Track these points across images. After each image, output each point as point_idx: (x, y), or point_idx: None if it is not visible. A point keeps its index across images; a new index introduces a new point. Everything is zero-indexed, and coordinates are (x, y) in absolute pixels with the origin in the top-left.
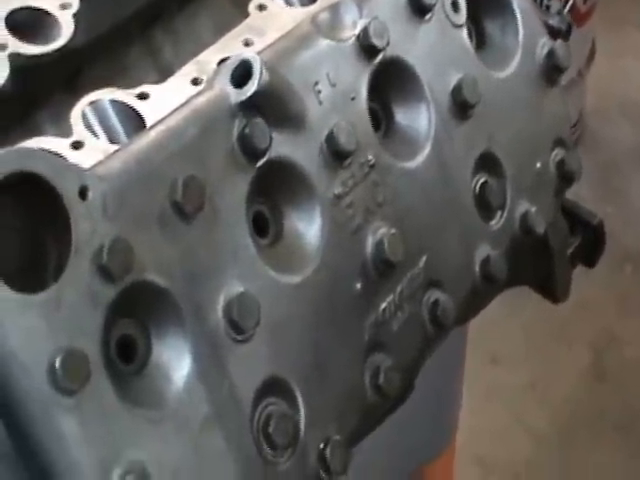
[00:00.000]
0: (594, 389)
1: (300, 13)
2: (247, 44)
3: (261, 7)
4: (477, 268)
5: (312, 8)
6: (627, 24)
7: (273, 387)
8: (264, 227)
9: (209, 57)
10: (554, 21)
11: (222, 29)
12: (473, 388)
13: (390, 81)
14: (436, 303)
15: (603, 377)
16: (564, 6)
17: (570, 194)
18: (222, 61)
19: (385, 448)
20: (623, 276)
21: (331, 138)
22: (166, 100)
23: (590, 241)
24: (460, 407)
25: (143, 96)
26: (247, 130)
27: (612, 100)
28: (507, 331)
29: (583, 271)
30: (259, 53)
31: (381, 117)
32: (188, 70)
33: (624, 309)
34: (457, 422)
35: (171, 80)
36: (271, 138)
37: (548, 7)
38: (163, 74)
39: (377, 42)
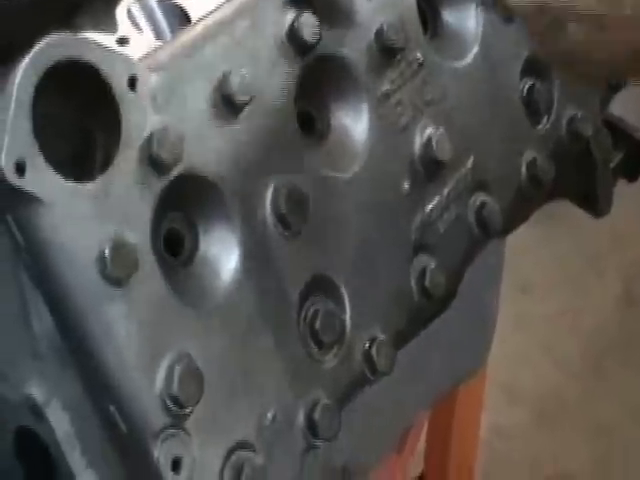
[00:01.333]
0: (624, 318)
1: None
2: None
3: None
4: (523, 170)
5: None
6: None
7: (320, 284)
8: (311, 125)
9: None
10: None
11: None
12: (502, 316)
13: None
14: (483, 205)
15: (633, 306)
16: None
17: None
18: None
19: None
20: None
21: (380, 35)
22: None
23: (632, 155)
24: (495, 328)
25: None
26: (297, 24)
27: None
28: (538, 260)
29: (616, 202)
30: None
31: (429, 17)
32: None
33: None
34: (491, 343)
35: None
36: (321, 32)
37: None
38: None
39: None
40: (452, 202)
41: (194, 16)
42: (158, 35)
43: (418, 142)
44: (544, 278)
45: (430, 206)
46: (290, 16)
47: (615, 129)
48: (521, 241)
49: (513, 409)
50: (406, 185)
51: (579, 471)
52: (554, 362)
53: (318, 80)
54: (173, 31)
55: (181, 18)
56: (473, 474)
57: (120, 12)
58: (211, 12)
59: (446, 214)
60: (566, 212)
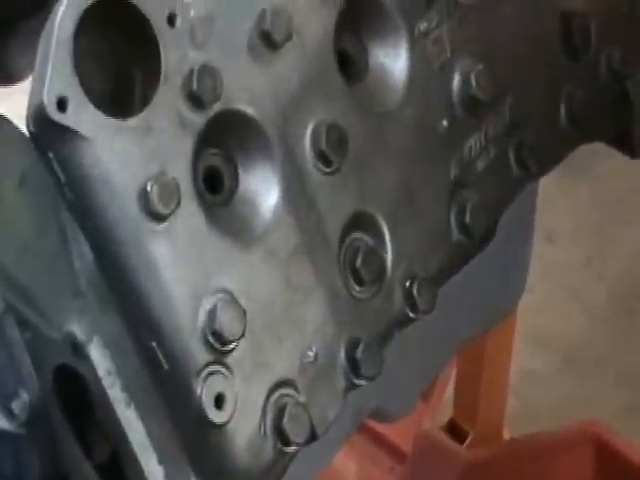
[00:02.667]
0: None
1: None
2: None
3: None
4: (562, 108)
5: None
6: None
7: (360, 221)
8: (350, 61)
9: None
10: None
11: None
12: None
13: None
14: (522, 143)
15: None
16: None
17: None
18: None
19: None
20: None
21: None
22: None
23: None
24: (527, 274)
25: None
26: None
27: None
28: (562, 210)
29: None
30: None
31: None
32: None
33: None
34: (523, 289)
35: None
36: None
37: None
38: None
39: None
40: (491, 140)
41: None
42: None
43: (457, 80)
44: (569, 227)
45: (469, 144)
46: None
47: None
48: (544, 191)
49: (542, 355)
50: (445, 123)
51: (609, 417)
52: (582, 309)
53: (356, 19)
54: None
55: None
56: (502, 420)
57: None
58: None
59: (485, 152)
60: (587, 164)
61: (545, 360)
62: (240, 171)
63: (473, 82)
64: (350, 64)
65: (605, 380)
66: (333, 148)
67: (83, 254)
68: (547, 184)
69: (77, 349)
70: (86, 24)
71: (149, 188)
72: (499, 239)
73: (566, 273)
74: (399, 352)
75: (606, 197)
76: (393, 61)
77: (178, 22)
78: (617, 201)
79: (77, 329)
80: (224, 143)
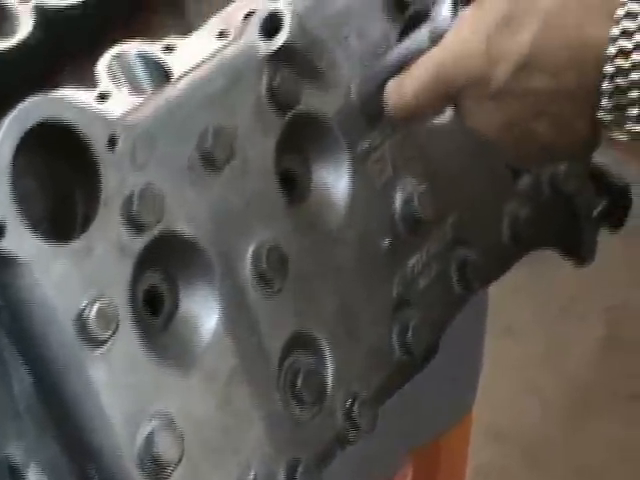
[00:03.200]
0: (607, 360)
1: None
2: None
3: None
4: (505, 225)
5: None
6: None
7: (301, 341)
8: (292, 182)
9: (235, 11)
10: None
11: None
12: (486, 357)
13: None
14: (464, 262)
15: (616, 347)
16: None
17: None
18: (248, 15)
19: (402, 414)
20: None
21: (360, 93)
22: (192, 53)
23: (616, 204)
24: (479, 375)
25: (169, 48)
26: (276, 82)
27: None
28: (519, 303)
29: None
30: (289, 4)
31: None
32: (214, 23)
33: (638, 278)
34: (477, 389)
35: (197, 33)
36: (300, 90)
37: None
38: (187, 33)
39: None
40: (433, 258)
41: (175, 72)
42: (138, 91)
43: (399, 199)
44: (526, 320)
45: (411, 262)
46: (269, 74)
47: (598, 177)
48: (503, 284)
49: (499, 450)
50: (387, 241)
51: None
52: (540, 404)
53: (299, 138)
54: (153, 87)
55: (161, 74)
56: None
57: (100, 67)
58: (191, 69)
59: (427, 270)
60: (546, 256)
61: (503, 455)
62: (181, 292)
63: (415, 202)
64: (293, 183)
65: (563, 475)
66: (274, 269)
67: (22, 378)
68: (505, 276)
69: (14, 473)
70: (26, 148)
71: (87, 313)
72: (450, 342)
73: (524, 366)
74: (348, 465)
75: (563, 290)
76: (336, 181)
77: (119, 144)
78: (574, 294)
79: (15, 452)
80: (165, 264)
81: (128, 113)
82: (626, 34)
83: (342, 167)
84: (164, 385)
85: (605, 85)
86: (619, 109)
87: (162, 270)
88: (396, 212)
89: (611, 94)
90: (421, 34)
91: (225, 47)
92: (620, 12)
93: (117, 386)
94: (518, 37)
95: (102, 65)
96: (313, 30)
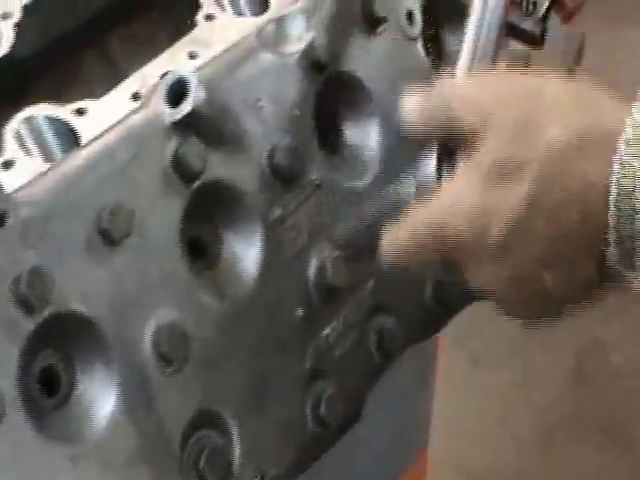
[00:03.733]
0: (577, 392)
1: (249, 24)
2: (192, 57)
3: (209, 17)
4: (428, 289)
5: (260, 19)
6: (619, 20)
7: (205, 420)
8: (201, 251)
9: (153, 70)
10: (527, 26)
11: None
12: (454, 390)
13: (339, 97)
14: (383, 329)
15: (585, 380)
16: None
17: None
18: (165, 75)
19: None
20: None
21: (272, 158)
22: (104, 116)
23: None
24: (429, 424)
25: (80, 112)
26: (181, 151)
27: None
28: (488, 334)
29: None
30: (199, 69)
31: (330, 134)
32: (130, 84)
33: (606, 312)
34: (427, 440)
35: (111, 94)
36: (207, 159)
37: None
38: (119, 82)
39: (323, 57)
40: (350, 326)
41: (84, 137)
42: (47, 157)
43: (313, 267)
44: (494, 351)
45: (326, 331)
46: (174, 142)
47: None
48: (470, 316)
49: None
50: (300, 311)
51: None
52: (509, 436)
53: (207, 206)
54: (63, 151)
55: (71, 139)
56: None
57: (8, 133)
58: (95, 138)
59: (343, 339)
60: None
61: None
62: (78, 372)
63: (329, 269)
64: (202, 252)
65: None
66: (175, 348)
67: None
68: (472, 310)
69: None
70: None
71: None
72: (395, 396)
73: (492, 398)
74: None
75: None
76: (246, 248)
77: (9, 222)
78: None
79: None
80: (61, 344)
81: (23, 187)
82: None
83: (253, 235)
84: (56, 470)
85: (611, 235)
86: (628, 256)
87: (58, 349)
88: (310, 280)
89: (617, 242)
90: (408, 185)
91: (132, 114)
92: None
93: (5, 473)
94: (514, 189)
95: (9, 130)
96: (222, 96)
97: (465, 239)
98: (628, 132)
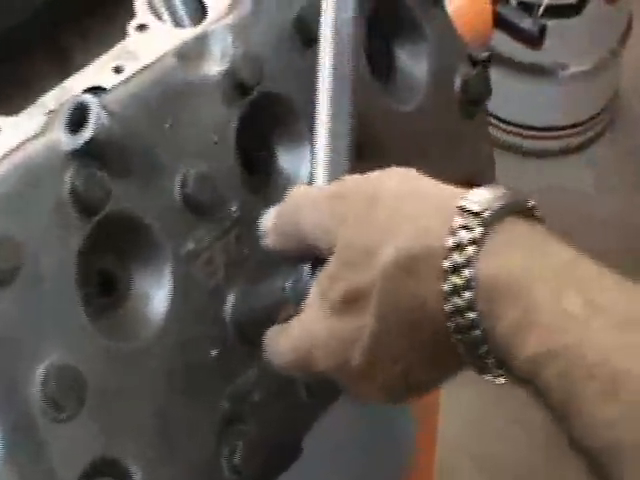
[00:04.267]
0: None
1: (185, 36)
2: (118, 71)
3: (141, 27)
4: None
5: (189, 32)
6: None
7: (103, 469)
8: (111, 285)
9: (75, 84)
10: (526, 24)
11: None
12: (464, 389)
13: (268, 120)
14: None
15: None
16: None
17: (599, 181)
18: (88, 90)
19: None
20: None
21: (185, 188)
22: (19, 135)
23: None
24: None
25: None
26: (79, 182)
27: None
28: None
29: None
30: (111, 89)
31: (259, 160)
32: (48, 99)
33: None
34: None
35: (28, 110)
36: (111, 189)
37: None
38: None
39: (248, 78)
40: (272, 367)
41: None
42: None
43: (230, 304)
44: None
45: (245, 372)
46: (73, 172)
47: None
48: None
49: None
50: (214, 352)
51: None
52: (524, 432)
53: (113, 240)
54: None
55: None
56: None
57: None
58: None
59: (265, 380)
60: None
61: None
62: None
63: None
64: (111, 287)
65: None
66: (67, 392)
67: None
68: None
69: None
70: None
71: None
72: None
73: (509, 398)
74: None
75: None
76: (155, 285)
77: None
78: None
79: None
80: None
81: None
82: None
83: (163, 271)
84: None
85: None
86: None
87: None
88: (227, 318)
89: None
90: (286, 287)
91: (31, 139)
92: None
93: None
94: (360, 318)
95: None
96: (130, 120)
97: (329, 368)
98: (454, 257)
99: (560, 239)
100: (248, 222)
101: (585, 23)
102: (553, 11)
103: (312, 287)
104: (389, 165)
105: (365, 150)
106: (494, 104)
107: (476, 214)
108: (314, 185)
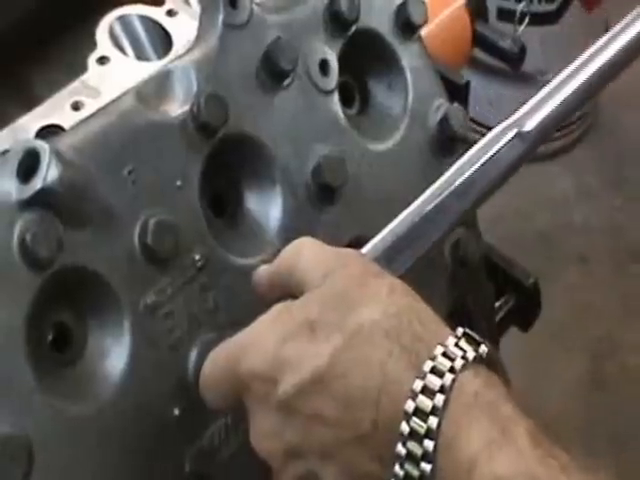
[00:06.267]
0: (590, 399)
1: (147, 70)
2: (76, 108)
3: (102, 60)
4: None
5: (152, 66)
6: None
7: None
8: (61, 343)
9: (29, 123)
10: (506, 44)
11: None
12: None
13: (235, 161)
14: None
15: (601, 386)
16: None
17: (578, 185)
18: (42, 129)
19: None
20: (628, 276)
21: (143, 239)
22: None
23: (524, 303)
24: None
25: None
26: (29, 234)
27: (628, 85)
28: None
29: (585, 272)
30: (66, 132)
31: (226, 200)
32: (1, 138)
33: (628, 313)
34: None
35: None
36: (62, 242)
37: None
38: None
39: (212, 119)
40: (242, 422)
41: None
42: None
43: (193, 359)
44: (506, 352)
45: (210, 431)
46: (23, 224)
47: (503, 275)
48: None
49: None
50: (176, 410)
51: None
52: None
53: (67, 293)
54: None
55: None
56: None
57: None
58: None
59: (234, 437)
60: None
61: None
62: None
63: None
64: (67, 343)
65: None
66: (10, 462)
67: None
68: None
69: None
70: None
71: None
72: None
73: None
74: None
75: (548, 320)
76: (112, 342)
77: None
78: (559, 325)
79: None
80: None
81: None
82: (427, 391)
83: (121, 325)
84: None
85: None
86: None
87: None
88: (189, 374)
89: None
90: None
91: None
92: (426, 367)
93: None
94: (316, 347)
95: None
96: (84, 168)
97: (254, 381)
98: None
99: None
100: (213, 270)
101: (563, 30)
102: (532, 18)
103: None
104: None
105: (341, 192)
106: (473, 109)
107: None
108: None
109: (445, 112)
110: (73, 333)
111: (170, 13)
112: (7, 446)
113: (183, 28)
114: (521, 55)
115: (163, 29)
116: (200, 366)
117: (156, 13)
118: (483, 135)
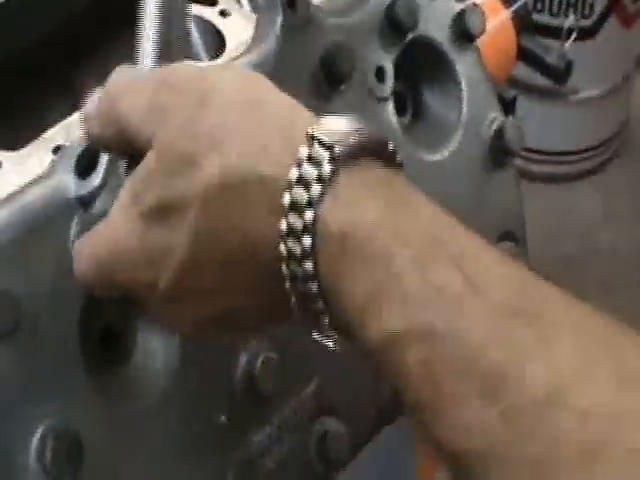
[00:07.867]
0: None
1: None
2: None
3: None
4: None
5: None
6: None
7: None
8: (111, 343)
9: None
10: (552, 59)
11: None
12: None
13: None
14: (325, 434)
15: None
16: (608, 7)
17: (606, 208)
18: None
19: None
20: None
21: None
22: (21, 173)
23: None
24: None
25: None
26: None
27: None
28: None
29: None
30: None
31: None
32: (54, 134)
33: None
34: None
35: (32, 146)
36: None
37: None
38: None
39: None
40: (286, 431)
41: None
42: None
43: (241, 367)
44: None
45: (256, 439)
46: (79, 220)
47: None
48: None
49: None
50: (223, 417)
51: None
52: None
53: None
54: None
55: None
56: None
57: None
58: None
59: (278, 446)
60: None
61: None
62: None
63: (257, 373)
64: (114, 343)
65: None
66: (62, 458)
67: None
68: None
69: None
70: None
71: None
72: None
73: None
74: None
75: None
76: (164, 342)
77: None
78: None
79: None
80: None
81: None
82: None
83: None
84: None
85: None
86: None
87: None
88: (236, 383)
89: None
90: None
91: (35, 183)
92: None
93: None
94: (175, 235)
95: None
96: None
97: (132, 286)
98: (295, 193)
99: (426, 197)
100: None
101: (599, 47)
102: (566, 34)
103: (125, 186)
104: None
105: None
106: None
107: (328, 147)
108: (139, 66)
109: (500, 125)
110: (123, 333)
111: (223, 13)
112: (60, 445)
113: (236, 29)
114: (567, 71)
115: (215, 29)
116: (243, 377)
117: (209, 13)
118: None
